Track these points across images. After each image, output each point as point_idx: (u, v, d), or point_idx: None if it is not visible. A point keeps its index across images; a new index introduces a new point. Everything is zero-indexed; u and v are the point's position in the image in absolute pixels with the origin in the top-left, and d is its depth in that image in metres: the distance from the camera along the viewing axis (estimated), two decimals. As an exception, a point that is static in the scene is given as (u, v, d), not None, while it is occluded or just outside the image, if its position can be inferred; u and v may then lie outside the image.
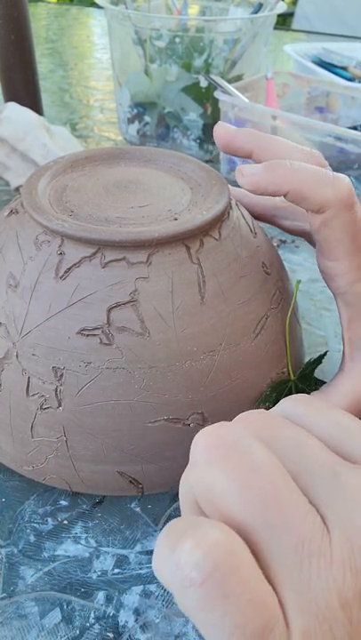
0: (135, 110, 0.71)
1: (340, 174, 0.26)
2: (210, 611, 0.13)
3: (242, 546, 0.14)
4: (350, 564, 0.14)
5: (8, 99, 0.67)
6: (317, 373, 0.39)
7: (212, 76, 0.62)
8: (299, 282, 0.32)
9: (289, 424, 0.18)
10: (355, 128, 0.61)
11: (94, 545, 0.28)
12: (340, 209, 0.25)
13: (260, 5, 0.68)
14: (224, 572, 0.13)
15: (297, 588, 0.14)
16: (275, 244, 0.51)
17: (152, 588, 0.27)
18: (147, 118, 0.70)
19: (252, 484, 0.15)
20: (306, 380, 0.32)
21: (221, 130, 0.29)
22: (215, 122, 0.67)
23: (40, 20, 1.48)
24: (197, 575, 0.13)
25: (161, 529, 0.29)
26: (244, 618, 0.13)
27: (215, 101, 0.64)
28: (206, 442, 0.16)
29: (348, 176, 0.60)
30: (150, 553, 0.28)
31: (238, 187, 0.31)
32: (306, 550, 0.14)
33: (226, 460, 0.15)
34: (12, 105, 0.58)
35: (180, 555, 0.13)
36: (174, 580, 0.13)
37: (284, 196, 0.26)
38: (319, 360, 0.32)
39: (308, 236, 0.33)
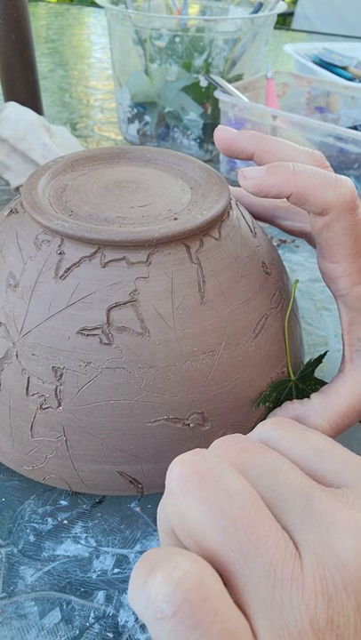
0: (135, 110, 0.71)
1: (343, 177, 0.26)
2: None
3: (213, 575, 0.14)
4: (322, 590, 0.14)
5: (8, 98, 0.67)
6: (317, 373, 0.39)
7: (213, 76, 0.62)
8: (297, 281, 0.32)
9: (265, 449, 0.18)
10: (355, 128, 0.61)
11: (94, 545, 0.28)
12: (342, 212, 0.25)
13: (261, 5, 0.68)
14: (194, 604, 0.13)
15: (269, 615, 0.14)
16: (275, 244, 0.51)
17: (152, 587, 0.27)
18: (147, 118, 0.70)
19: (223, 512, 0.15)
20: (306, 379, 0.32)
21: (222, 133, 0.29)
22: (215, 121, 0.67)
23: (40, 19, 1.48)
24: (168, 607, 0.13)
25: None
26: None
27: (215, 101, 0.64)
28: (181, 470, 0.16)
29: (349, 176, 0.60)
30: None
31: (238, 186, 0.31)
32: (278, 576, 0.14)
33: (199, 489, 0.15)
34: (13, 104, 0.58)
35: (150, 587, 0.14)
36: (146, 613, 0.14)
37: (287, 198, 0.26)
38: (319, 360, 0.32)
39: (307, 237, 0.33)
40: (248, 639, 0.14)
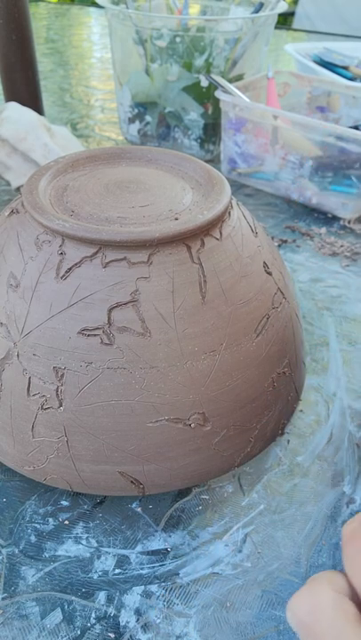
0: (136, 110, 0.71)
1: None
2: None
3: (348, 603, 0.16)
4: None
5: (9, 98, 0.67)
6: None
7: (213, 76, 0.62)
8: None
9: None
10: (356, 127, 0.61)
11: (95, 545, 0.28)
12: None
13: (261, 5, 0.68)
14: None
15: None
16: (276, 244, 0.51)
17: (153, 588, 0.27)
18: (148, 118, 0.70)
19: None
20: None
21: None
22: (216, 121, 0.67)
23: (41, 19, 1.48)
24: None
25: (162, 529, 0.29)
26: None
27: (216, 101, 0.64)
28: (297, 619, 0.17)
29: (350, 176, 0.60)
30: (151, 553, 0.28)
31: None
32: None
33: None
34: (13, 105, 0.58)
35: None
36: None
37: None
38: None
39: None
40: None
